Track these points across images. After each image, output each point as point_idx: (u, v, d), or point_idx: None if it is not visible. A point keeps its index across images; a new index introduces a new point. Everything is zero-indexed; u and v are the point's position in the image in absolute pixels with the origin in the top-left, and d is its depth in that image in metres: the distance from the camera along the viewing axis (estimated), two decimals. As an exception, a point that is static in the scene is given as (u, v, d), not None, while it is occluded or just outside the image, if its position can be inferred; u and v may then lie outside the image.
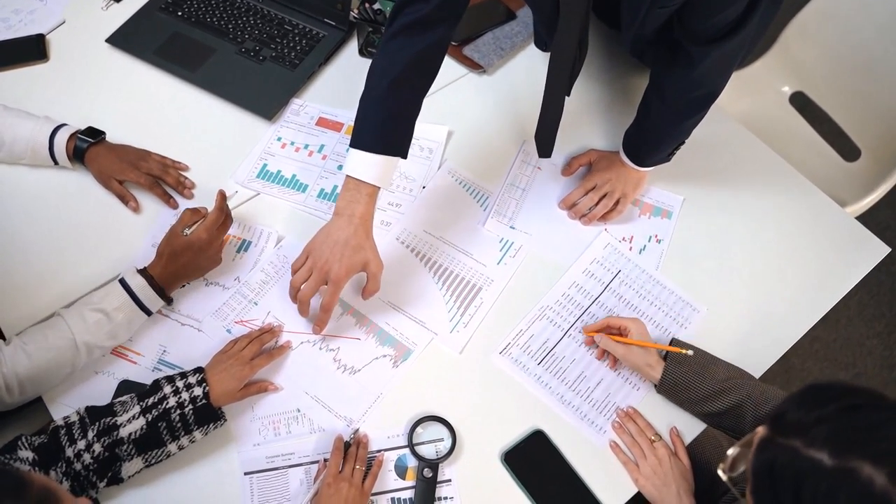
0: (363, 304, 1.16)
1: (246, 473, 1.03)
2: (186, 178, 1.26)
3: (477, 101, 1.39)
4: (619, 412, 1.10)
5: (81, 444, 0.92)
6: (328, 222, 1.08)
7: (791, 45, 1.66)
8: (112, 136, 1.27)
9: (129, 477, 0.96)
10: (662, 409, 1.10)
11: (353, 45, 1.45)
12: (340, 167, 1.30)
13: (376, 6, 1.42)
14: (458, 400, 1.10)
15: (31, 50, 1.40)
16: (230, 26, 1.44)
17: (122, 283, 1.05)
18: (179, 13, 1.45)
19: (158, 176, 1.23)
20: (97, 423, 0.93)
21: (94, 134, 1.23)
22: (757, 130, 1.39)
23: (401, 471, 1.05)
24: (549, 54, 1.10)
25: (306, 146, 1.32)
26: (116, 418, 0.94)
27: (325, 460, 1.03)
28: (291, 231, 1.23)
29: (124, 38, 1.42)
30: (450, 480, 1.04)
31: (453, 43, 1.41)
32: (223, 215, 1.10)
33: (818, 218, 1.29)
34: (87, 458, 0.91)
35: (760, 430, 0.68)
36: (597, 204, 1.25)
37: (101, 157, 1.22)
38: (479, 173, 1.30)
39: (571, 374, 1.13)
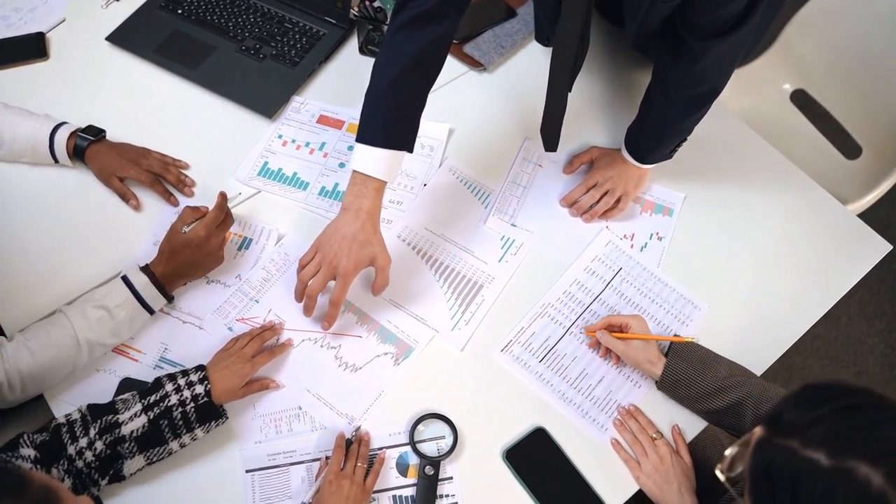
0: (365, 302, 1.16)
1: (247, 471, 1.03)
2: (187, 176, 1.26)
3: (478, 99, 1.38)
4: (620, 410, 1.10)
5: (83, 442, 0.92)
6: (336, 217, 1.08)
7: (792, 42, 1.66)
8: (112, 135, 1.27)
9: (131, 475, 0.96)
10: (664, 407, 1.10)
11: (353, 43, 1.44)
12: (342, 165, 1.30)
13: (376, 4, 1.42)
14: (459, 397, 1.10)
15: (31, 48, 1.40)
16: (230, 24, 1.44)
17: (125, 280, 1.05)
18: (180, 11, 1.45)
19: (159, 173, 1.23)
20: (99, 421, 0.93)
21: (95, 132, 1.23)
22: (758, 128, 1.39)
23: (402, 468, 1.05)
24: (549, 51, 1.10)
25: (307, 144, 1.32)
26: (118, 416, 0.94)
27: (327, 458, 1.03)
28: (292, 229, 1.23)
29: (124, 37, 1.42)
30: (451, 478, 1.04)
31: (454, 41, 1.40)
32: (223, 214, 1.10)
33: (819, 215, 1.29)
34: (88, 455, 0.91)
35: (758, 431, 0.68)
36: (598, 201, 1.25)
37: (102, 155, 1.22)
38: (480, 171, 1.30)
39: (573, 372, 1.13)
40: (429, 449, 1.06)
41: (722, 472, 0.73)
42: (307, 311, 1.10)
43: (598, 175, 1.26)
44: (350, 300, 1.16)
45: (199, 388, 0.98)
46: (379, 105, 1.05)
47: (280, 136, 1.33)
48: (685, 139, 1.22)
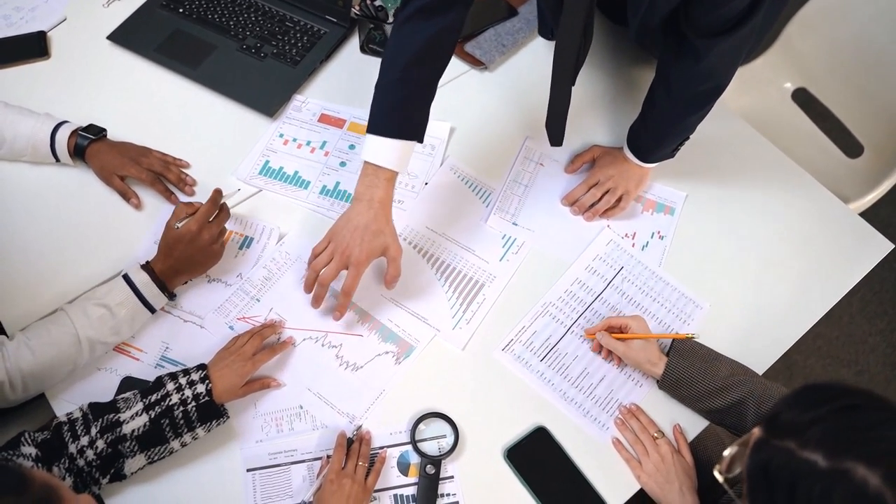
0: (366, 301, 1.16)
1: (248, 470, 1.03)
2: (188, 175, 1.26)
3: (479, 98, 1.38)
4: (621, 409, 1.10)
5: (84, 441, 0.92)
6: (349, 207, 1.09)
7: (794, 41, 1.65)
8: (113, 134, 1.27)
9: (132, 473, 0.96)
10: (665, 406, 1.10)
11: (354, 42, 1.44)
12: (343, 164, 1.30)
13: (377, 3, 1.41)
14: (460, 396, 1.10)
15: (32, 47, 1.40)
16: (231, 23, 1.44)
17: (126, 278, 1.05)
18: (181, 10, 1.45)
19: (160, 172, 1.23)
20: (100, 420, 0.93)
21: (96, 131, 1.23)
22: (759, 127, 1.39)
23: (403, 467, 1.05)
24: (551, 49, 1.09)
25: (308, 143, 1.32)
26: (119, 415, 0.94)
27: (328, 457, 1.03)
28: (293, 228, 1.23)
29: (125, 36, 1.42)
30: (452, 477, 1.04)
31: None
32: (215, 208, 1.10)
33: (821, 214, 1.29)
34: (89, 454, 0.91)
35: (756, 431, 0.68)
36: (599, 200, 1.25)
37: (103, 154, 1.22)
38: (481, 170, 1.30)
39: (574, 371, 1.13)
40: (430, 448, 1.06)
41: (720, 472, 0.73)
42: (317, 300, 1.10)
43: (600, 174, 1.26)
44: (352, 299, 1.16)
45: (201, 388, 0.98)
46: (387, 96, 1.06)
47: (281, 135, 1.33)
48: (688, 138, 1.22)
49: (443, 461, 1.04)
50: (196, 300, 1.15)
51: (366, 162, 1.07)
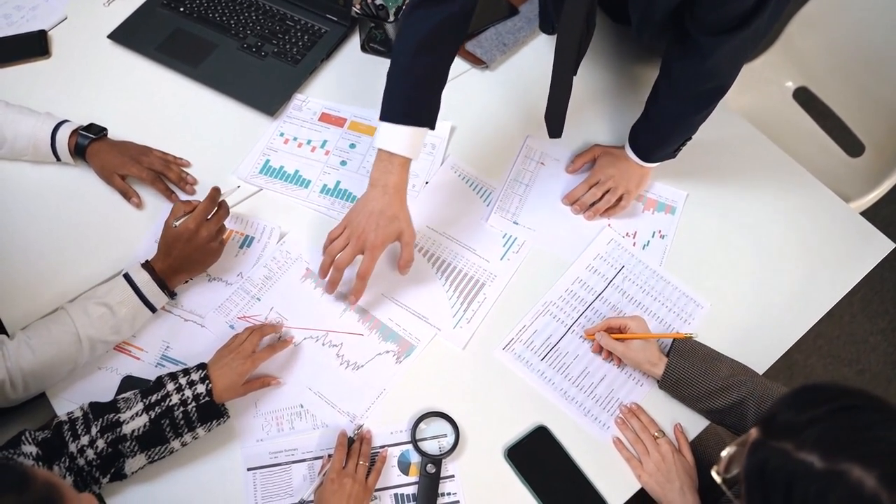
0: (366, 300, 1.16)
1: (249, 469, 1.03)
2: (188, 174, 1.26)
3: (479, 97, 1.38)
4: (622, 408, 1.10)
5: (85, 440, 0.92)
6: (364, 193, 1.10)
7: (795, 40, 1.65)
8: (114, 133, 1.27)
9: (133, 473, 0.96)
10: (666, 406, 1.10)
11: (355, 41, 1.44)
12: (343, 163, 1.30)
13: (378, 1, 1.41)
14: (461, 396, 1.10)
15: (32, 46, 1.40)
16: (232, 22, 1.43)
17: (127, 277, 1.05)
18: (181, 9, 1.45)
19: (160, 171, 1.23)
20: (100, 420, 0.93)
21: (96, 130, 1.23)
22: (760, 126, 1.39)
23: (404, 466, 1.05)
24: (552, 47, 1.09)
25: (309, 142, 1.32)
26: (120, 415, 0.94)
27: (329, 456, 1.03)
28: (294, 227, 1.23)
29: (126, 35, 1.42)
30: (453, 476, 1.04)
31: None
32: (213, 206, 1.10)
33: (822, 213, 1.29)
34: (90, 453, 0.91)
35: (753, 432, 0.68)
36: (599, 199, 1.25)
37: (103, 153, 1.22)
38: (482, 169, 1.30)
39: (574, 370, 1.12)
40: (430, 447, 1.06)
41: (718, 473, 0.73)
42: (332, 285, 1.11)
43: (600, 173, 1.26)
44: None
45: (201, 388, 0.98)
46: (398, 83, 1.08)
47: (282, 134, 1.33)
48: (690, 138, 1.22)
49: (443, 460, 1.04)
50: (197, 299, 1.15)
51: (379, 149, 1.08)
